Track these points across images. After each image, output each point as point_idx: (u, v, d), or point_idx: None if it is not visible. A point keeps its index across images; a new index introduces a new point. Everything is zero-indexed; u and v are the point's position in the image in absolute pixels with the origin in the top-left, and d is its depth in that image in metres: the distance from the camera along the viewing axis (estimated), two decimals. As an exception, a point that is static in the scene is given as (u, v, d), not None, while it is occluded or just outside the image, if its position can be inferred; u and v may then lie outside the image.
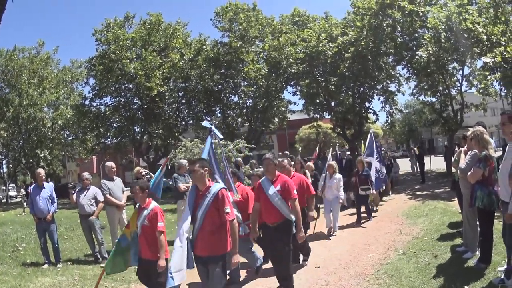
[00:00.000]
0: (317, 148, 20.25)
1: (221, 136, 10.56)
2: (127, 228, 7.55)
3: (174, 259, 6.16)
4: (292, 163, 19.48)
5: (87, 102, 35.51)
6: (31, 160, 40.28)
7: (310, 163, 15.56)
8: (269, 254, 8.77)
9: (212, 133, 8.60)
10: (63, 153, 46.09)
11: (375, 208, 16.96)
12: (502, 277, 6.59)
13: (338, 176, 13.35)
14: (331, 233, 12.91)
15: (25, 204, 26.12)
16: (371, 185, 15.09)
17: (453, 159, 9.91)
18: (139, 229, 7.04)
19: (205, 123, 9.06)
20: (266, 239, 8.25)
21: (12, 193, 51.94)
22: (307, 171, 13.87)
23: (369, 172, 15.32)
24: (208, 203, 6.22)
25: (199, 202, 6.34)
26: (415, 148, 33.05)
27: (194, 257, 6.58)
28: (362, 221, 14.64)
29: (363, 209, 15.29)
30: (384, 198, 19.84)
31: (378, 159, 17.03)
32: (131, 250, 7.41)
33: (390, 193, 21.69)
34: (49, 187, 11.34)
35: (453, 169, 10.70)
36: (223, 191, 6.33)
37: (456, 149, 10.33)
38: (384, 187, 19.40)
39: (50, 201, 11.08)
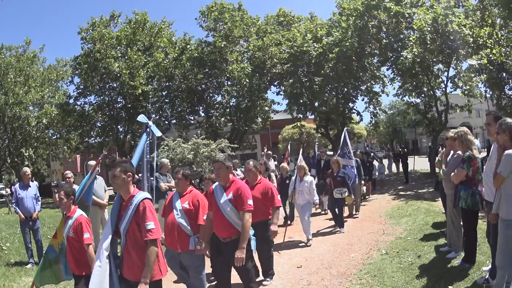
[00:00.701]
0: (301, 150, 19.03)
1: (159, 134, 8.96)
2: (54, 238, 6.86)
3: (92, 281, 5.04)
4: (275, 162, 19.30)
5: (71, 101, 35.53)
6: (16, 159, 39.97)
7: (284, 164, 14.87)
8: (217, 272, 7.28)
9: (148, 129, 7.92)
10: (48, 152, 45.81)
11: (354, 214, 16.05)
12: (486, 277, 6.63)
13: (309, 178, 12.10)
14: (306, 243, 11.71)
15: (12, 204, 25.96)
16: (348, 188, 13.59)
17: (436, 159, 9.93)
18: (65, 240, 6.32)
19: (141, 118, 8.35)
20: (217, 255, 7.05)
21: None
22: (272, 174, 13.45)
23: (346, 174, 14.00)
24: (130, 217, 5.05)
25: (122, 215, 5.20)
26: (400, 149, 33.18)
27: (120, 279, 5.29)
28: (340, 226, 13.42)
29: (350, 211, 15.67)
30: (365, 199, 19.68)
31: (348, 161, 15.69)
32: (60, 263, 6.72)
33: (368, 196, 20.72)
34: (34, 186, 11.43)
35: (437, 170, 10.71)
36: (145, 202, 5.06)
37: (440, 149, 10.37)
38: (364, 190, 19.52)
39: (35, 200, 11.19)
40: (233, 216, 6.51)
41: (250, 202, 6.51)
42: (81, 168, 55.71)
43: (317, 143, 21.03)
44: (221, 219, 6.55)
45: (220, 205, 6.57)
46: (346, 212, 15.18)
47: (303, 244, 11.66)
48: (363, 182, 18.07)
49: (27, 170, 11.67)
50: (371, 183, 21.66)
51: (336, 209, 13.56)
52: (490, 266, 6.71)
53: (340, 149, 16.38)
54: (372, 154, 25.19)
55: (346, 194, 13.43)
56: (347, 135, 16.65)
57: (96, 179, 11.71)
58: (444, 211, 10.93)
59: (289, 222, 14.44)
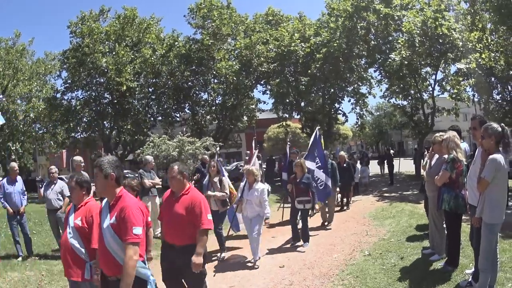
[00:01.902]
0: (287, 150, 18.56)
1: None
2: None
3: None
4: (261, 163, 18.65)
5: (58, 95, 35.18)
6: (3, 153, 39.61)
7: (250, 167, 11.22)
8: None
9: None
10: (34, 146, 45.46)
11: (326, 226, 14.07)
12: (469, 280, 6.62)
13: (261, 186, 10.09)
14: (253, 264, 9.71)
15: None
16: (313, 196, 11.40)
17: (423, 161, 9.94)
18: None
19: None
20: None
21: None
22: (224, 179, 10.70)
23: (311, 180, 11.74)
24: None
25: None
26: (387, 150, 33.25)
27: None
28: (298, 244, 11.36)
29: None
30: (343, 209, 17.76)
31: (319, 166, 13.56)
32: None
33: (346, 207, 18.17)
34: (20, 181, 11.43)
35: (422, 172, 10.74)
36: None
37: (426, 152, 10.37)
38: (338, 199, 17.62)
39: (21, 194, 11.22)
40: (114, 248, 4.49)
41: (138, 230, 4.41)
42: (67, 163, 55.41)
43: (289, 143, 19.46)
44: (103, 250, 4.59)
45: (102, 231, 4.63)
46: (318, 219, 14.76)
47: (250, 262, 10.02)
48: (338, 189, 16.42)
49: (15, 165, 11.69)
50: (354, 188, 20.03)
51: (300, 222, 11.63)
52: (473, 269, 6.74)
53: (308, 151, 14.12)
54: (357, 155, 25.14)
55: (309, 205, 11.45)
56: (318, 135, 14.33)
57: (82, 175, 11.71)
58: (426, 213, 10.98)
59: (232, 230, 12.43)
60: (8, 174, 11.63)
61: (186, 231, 5.83)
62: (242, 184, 10.70)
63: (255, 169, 10.60)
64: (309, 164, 13.07)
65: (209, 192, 10.29)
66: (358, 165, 24.29)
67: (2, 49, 38.98)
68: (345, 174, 17.02)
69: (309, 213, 12.81)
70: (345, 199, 18.33)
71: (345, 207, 17.96)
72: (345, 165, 17.68)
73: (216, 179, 10.60)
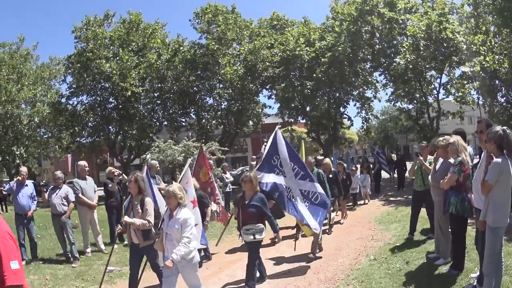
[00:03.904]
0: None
1: None
2: None
3: None
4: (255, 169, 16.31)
5: (63, 100, 35.36)
6: (7, 157, 39.68)
7: (171, 186, 7.19)
8: None
9: None
10: (39, 151, 45.55)
11: (317, 253, 10.52)
12: (474, 283, 6.60)
13: (184, 214, 6.63)
14: None
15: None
16: (271, 223, 8.22)
17: (416, 166, 10.13)
18: None
19: None
20: None
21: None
22: (147, 199, 7.73)
23: (265, 201, 8.20)
24: None
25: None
26: (392, 154, 33.05)
27: None
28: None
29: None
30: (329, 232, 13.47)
31: (302, 175, 9.89)
32: None
33: (340, 220, 15.50)
34: (31, 185, 11.41)
35: (407, 174, 10.87)
36: None
37: (420, 156, 10.44)
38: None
39: (31, 199, 11.17)
40: None
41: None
42: (72, 167, 55.60)
43: (265, 143, 13.93)
44: None
45: None
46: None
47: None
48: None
49: (24, 169, 11.62)
50: (353, 199, 19.16)
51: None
52: (478, 273, 6.69)
53: (263, 159, 9.91)
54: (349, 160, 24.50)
55: (261, 235, 8.01)
56: (279, 136, 10.01)
57: (86, 179, 11.77)
58: (411, 211, 11.15)
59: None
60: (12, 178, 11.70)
61: None
62: (161, 210, 8.30)
63: (177, 188, 6.82)
64: (268, 178, 9.47)
65: (126, 218, 7.53)
66: (358, 174, 21.58)
67: (6, 54, 39.04)
68: (331, 187, 12.71)
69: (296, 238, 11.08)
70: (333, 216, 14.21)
71: (328, 230, 13.39)
72: (331, 175, 13.57)
73: (137, 200, 7.74)
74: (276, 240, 8.75)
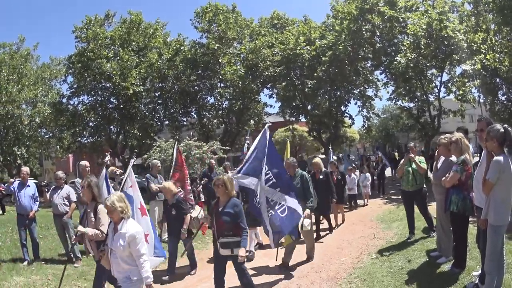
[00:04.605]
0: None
1: None
2: None
3: None
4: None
5: (64, 100, 35.32)
6: (8, 158, 39.68)
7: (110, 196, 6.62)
8: None
9: None
10: (40, 151, 45.55)
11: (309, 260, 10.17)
12: (476, 281, 6.60)
13: (131, 229, 5.83)
14: None
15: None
16: (243, 235, 7.15)
17: (405, 166, 10.16)
18: None
19: None
20: None
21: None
22: (101, 207, 6.98)
23: (240, 208, 7.31)
24: None
25: None
26: (394, 153, 33.01)
27: None
28: None
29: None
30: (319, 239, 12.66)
31: (272, 182, 8.74)
32: None
33: (335, 227, 14.35)
34: (33, 186, 11.43)
35: (398, 175, 10.90)
36: None
37: (411, 153, 10.45)
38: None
39: (33, 199, 11.18)
40: None
41: None
42: (74, 168, 55.57)
43: (248, 142, 15.94)
44: None
45: None
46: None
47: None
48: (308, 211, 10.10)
49: (26, 169, 11.61)
50: (350, 201, 18.69)
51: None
52: (480, 271, 6.68)
53: (246, 160, 8.96)
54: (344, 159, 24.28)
55: (244, 251, 7.23)
56: (267, 135, 9.01)
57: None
58: (406, 211, 11.20)
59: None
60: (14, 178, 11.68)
61: None
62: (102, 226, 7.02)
63: (116, 200, 5.89)
64: (248, 181, 8.63)
65: (80, 227, 6.95)
66: (357, 173, 21.34)
67: (6, 54, 39.03)
68: (322, 189, 12.10)
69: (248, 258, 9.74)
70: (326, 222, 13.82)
71: (321, 236, 12.86)
72: (321, 176, 12.73)
73: (91, 208, 7.22)
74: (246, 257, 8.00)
